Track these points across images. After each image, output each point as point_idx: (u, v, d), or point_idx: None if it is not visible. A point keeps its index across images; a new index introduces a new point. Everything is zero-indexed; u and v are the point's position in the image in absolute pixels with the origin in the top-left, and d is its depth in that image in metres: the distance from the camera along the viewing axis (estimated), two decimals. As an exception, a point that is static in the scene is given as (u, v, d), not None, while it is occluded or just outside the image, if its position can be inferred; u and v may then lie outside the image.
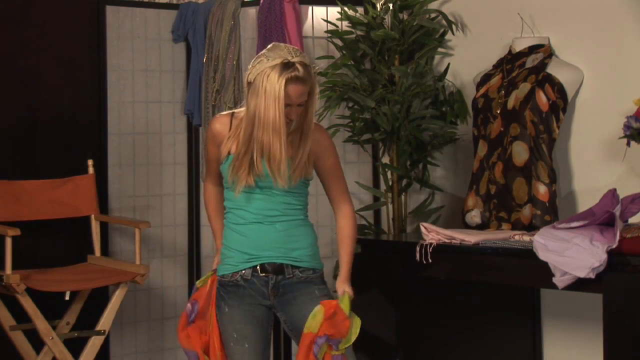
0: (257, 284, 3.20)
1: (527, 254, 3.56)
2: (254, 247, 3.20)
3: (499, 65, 4.33)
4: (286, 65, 3.04)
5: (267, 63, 3.05)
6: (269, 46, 3.14)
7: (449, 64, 4.70)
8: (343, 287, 3.32)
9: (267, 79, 3.04)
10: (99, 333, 4.53)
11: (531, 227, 3.98)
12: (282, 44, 3.13)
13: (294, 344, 3.51)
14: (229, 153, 3.20)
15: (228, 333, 3.20)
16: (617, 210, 3.42)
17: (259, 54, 3.14)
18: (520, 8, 4.32)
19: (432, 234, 3.87)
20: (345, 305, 3.24)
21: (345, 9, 4.72)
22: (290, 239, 3.23)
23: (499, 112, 4.17)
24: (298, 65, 3.04)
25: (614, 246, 3.36)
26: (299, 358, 3.15)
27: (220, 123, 3.25)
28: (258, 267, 3.20)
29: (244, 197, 3.20)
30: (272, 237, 3.21)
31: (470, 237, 3.79)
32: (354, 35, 4.73)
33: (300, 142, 3.16)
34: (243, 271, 3.20)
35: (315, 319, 3.16)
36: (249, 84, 3.10)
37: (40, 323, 4.41)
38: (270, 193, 3.19)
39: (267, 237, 3.21)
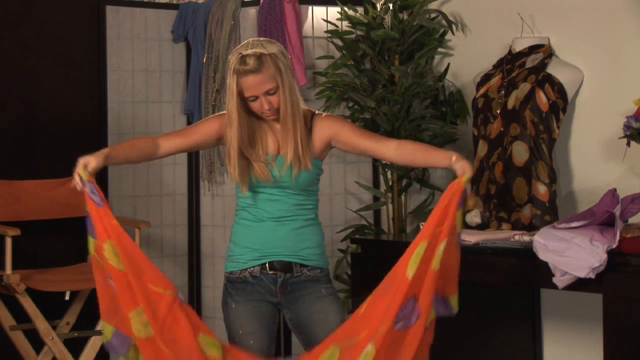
0: (265, 281, 3.20)
1: (527, 254, 3.56)
2: (263, 244, 3.21)
3: (499, 65, 4.33)
4: (239, 60, 3.10)
5: (231, 60, 3.13)
6: None
7: (449, 64, 4.70)
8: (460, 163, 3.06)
9: (228, 76, 3.13)
10: (99, 333, 4.53)
11: (531, 227, 3.98)
12: (251, 39, 3.18)
13: (294, 339, 3.50)
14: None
15: (234, 330, 3.20)
16: (617, 210, 3.42)
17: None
18: (520, 8, 4.32)
19: (432, 234, 3.87)
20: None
21: (345, 9, 4.72)
22: (300, 237, 3.22)
23: (499, 112, 4.17)
24: (248, 58, 3.08)
25: (614, 246, 3.36)
26: None
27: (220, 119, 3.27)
28: (267, 265, 3.21)
29: (258, 197, 3.21)
30: (282, 236, 3.21)
31: (470, 237, 3.79)
32: (354, 35, 4.73)
33: (285, 136, 3.17)
34: (252, 268, 3.20)
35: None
36: None
37: (40, 323, 4.41)
38: (285, 194, 3.20)
39: (278, 236, 3.21)
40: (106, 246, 3.02)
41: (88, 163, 3.02)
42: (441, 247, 3.04)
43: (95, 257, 3.06)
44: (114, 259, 3.02)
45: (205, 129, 3.25)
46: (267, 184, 3.18)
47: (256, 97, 3.11)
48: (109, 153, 3.10)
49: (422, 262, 3.02)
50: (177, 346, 3.01)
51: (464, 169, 3.03)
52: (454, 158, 3.07)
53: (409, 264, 3.03)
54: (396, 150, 3.20)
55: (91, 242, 3.07)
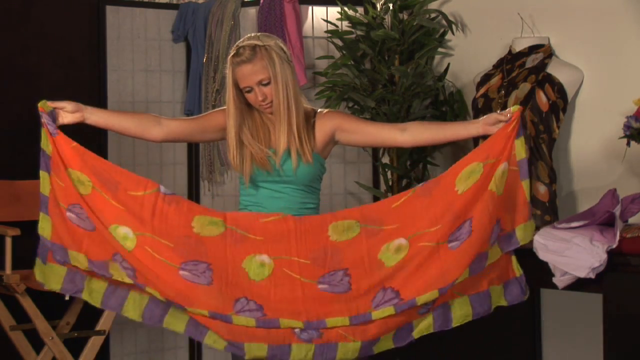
0: None
1: (527, 254, 3.56)
2: None
3: (499, 65, 4.33)
4: (235, 51, 3.17)
5: (230, 54, 3.21)
6: None
7: (449, 64, 4.70)
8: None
9: (227, 69, 3.21)
10: (99, 333, 4.53)
11: (531, 227, 3.98)
12: (251, 34, 3.24)
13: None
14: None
15: None
16: (617, 210, 3.42)
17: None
18: (520, 8, 4.32)
19: (432, 234, 3.86)
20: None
21: (345, 9, 4.72)
22: None
23: (498, 112, 4.17)
24: (242, 49, 3.15)
25: (614, 246, 3.36)
26: None
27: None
28: None
29: (261, 193, 3.22)
30: None
31: (470, 237, 3.78)
32: (354, 35, 4.74)
33: (279, 127, 3.18)
34: None
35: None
36: None
37: (40, 323, 4.41)
38: (288, 189, 3.21)
39: None
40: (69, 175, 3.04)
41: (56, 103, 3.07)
42: (499, 169, 3.07)
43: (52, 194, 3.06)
44: (78, 186, 3.04)
45: (210, 117, 3.29)
46: (270, 177, 3.19)
47: (251, 89, 3.15)
48: (93, 109, 3.13)
49: (477, 183, 3.05)
50: (173, 239, 3.04)
51: (498, 118, 3.16)
52: (481, 121, 3.18)
53: (457, 178, 3.07)
54: (405, 130, 3.23)
55: (45, 178, 3.06)
